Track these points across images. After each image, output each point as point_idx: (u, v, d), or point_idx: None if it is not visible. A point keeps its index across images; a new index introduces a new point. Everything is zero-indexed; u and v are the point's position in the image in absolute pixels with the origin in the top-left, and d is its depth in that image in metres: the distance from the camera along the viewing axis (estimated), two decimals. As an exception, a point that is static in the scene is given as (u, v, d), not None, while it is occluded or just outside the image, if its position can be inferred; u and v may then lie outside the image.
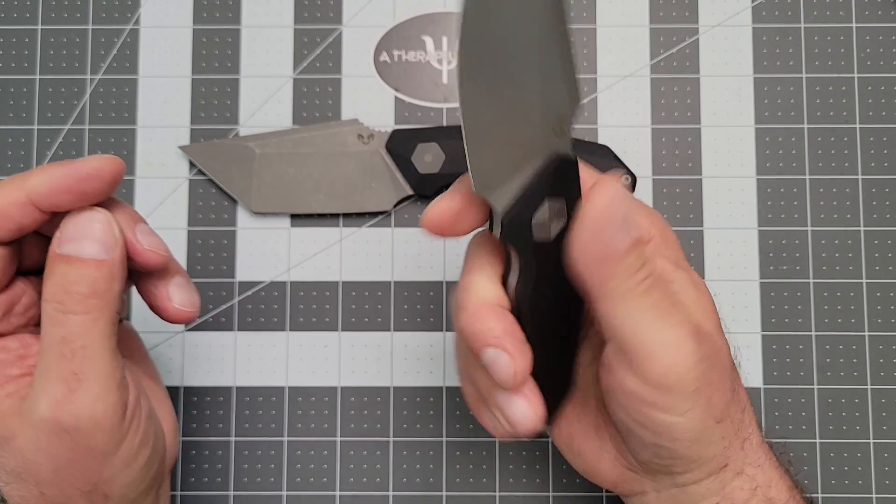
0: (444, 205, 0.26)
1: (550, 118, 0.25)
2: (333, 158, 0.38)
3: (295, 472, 0.37)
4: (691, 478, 0.27)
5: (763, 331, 0.38)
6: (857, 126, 0.39)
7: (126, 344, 0.30)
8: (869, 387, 0.37)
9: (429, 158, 0.37)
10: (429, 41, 0.39)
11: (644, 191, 0.39)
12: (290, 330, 0.38)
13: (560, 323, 0.27)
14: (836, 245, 0.38)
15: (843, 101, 0.39)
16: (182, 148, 0.38)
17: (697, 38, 0.39)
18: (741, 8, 0.39)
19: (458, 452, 0.37)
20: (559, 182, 0.25)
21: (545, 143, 0.25)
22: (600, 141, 0.39)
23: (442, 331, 0.38)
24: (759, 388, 0.37)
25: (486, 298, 0.26)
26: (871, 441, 0.37)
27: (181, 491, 0.37)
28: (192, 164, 0.39)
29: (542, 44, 0.24)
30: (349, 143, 0.38)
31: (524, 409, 0.26)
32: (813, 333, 0.38)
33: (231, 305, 0.38)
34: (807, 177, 0.38)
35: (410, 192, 0.38)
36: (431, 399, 0.38)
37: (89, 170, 0.26)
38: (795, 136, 0.39)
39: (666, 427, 0.25)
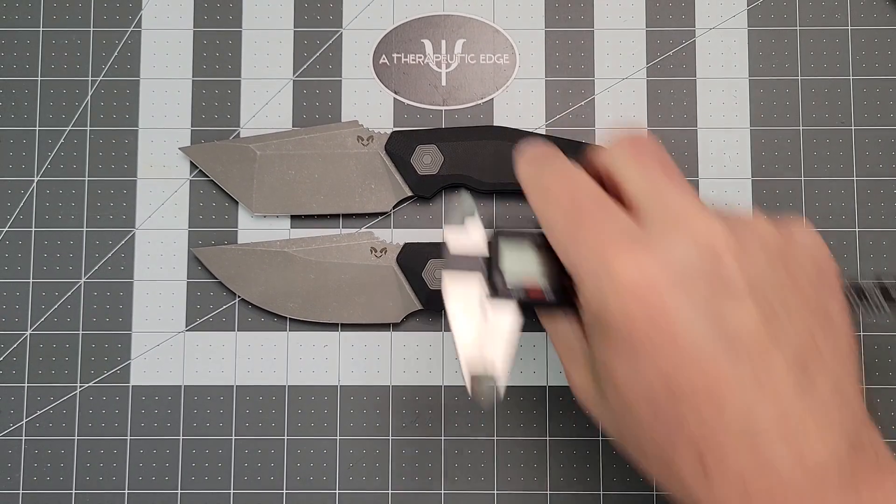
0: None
1: None
2: (333, 160, 0.38)
3: (295, 472, 0.37)
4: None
5: (759, 331, 0.38)
6: (853, 128, 0.39)
7: None
8: (864, 387, 0.38)
9: (427, 160, 0.38)
10: (428, 44, 0.40)
11: (641, 192, 0.39)
12: (290, 330, 0.38)
13: None
14: (832, 246, 0.38)
15: (839, 103, 0.39)
16: (183, 149, 0.39)
17: (694, 41, 0.40)
18: (737, 11, 0.40)
19: (456, 451, 0.37)
20: None
21: None
22: (597, 143, 0.39)
23: (441, 331, 0.38)
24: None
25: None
26: (867, 440, 0.37)
27: (181, 490, 0.37)
28: (193, 166, 0.39)
29: None
30: (349, 144, 0.38)
31: None
32: (808, 333, 0.38)
33: (231, 305, 0.38)
34: (802, 179, 0.39)
35: (409, 193, 0.38)
36: (431, 398, 0.38)
37: None
38: (791, 138, 0.39)
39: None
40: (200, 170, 0.39)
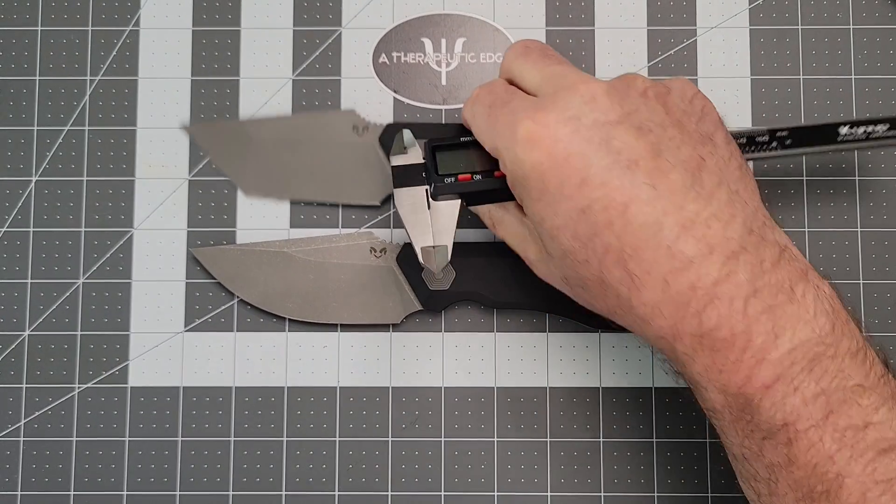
0: None
1: None
2: (327, 147, 0.38)
3: (295, 472, 0.37)
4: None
5: (760, 331, 0.38)
6: (855, 127, 0.39)
7: None
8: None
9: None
10: (427, 43, 0.40)
11: (642, 192, 0.39)
12: (290, 330, 0.38)
13: None
14: (834, 246, 0.38)
15: (841, 102, 0.39)
16: (184, 128, 0.39)
17: (695, 40, 0.39)
18: (739, 9, 0.40)
19: (456, 453, 0.37)
20: None
21: None
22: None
23: (441, 331, 0.38)
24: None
25: None
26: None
27: (180, 491, 0.37)
28: (191, 166, 0.39)
29: None
30: (344, 133, 0.38)
31: None
32: (810, 334, 0.38)
33: (231, 305, 0.38)
34: (804, 178, 0.39)
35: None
36: (430, 399, 0.38)
37: None
38: (793, 137, 0.39)
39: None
40: (198, 170, 0.39)
